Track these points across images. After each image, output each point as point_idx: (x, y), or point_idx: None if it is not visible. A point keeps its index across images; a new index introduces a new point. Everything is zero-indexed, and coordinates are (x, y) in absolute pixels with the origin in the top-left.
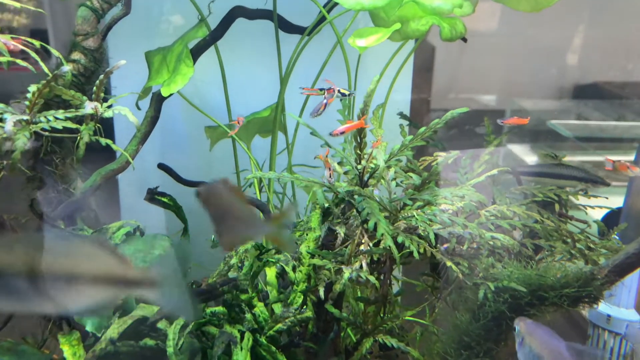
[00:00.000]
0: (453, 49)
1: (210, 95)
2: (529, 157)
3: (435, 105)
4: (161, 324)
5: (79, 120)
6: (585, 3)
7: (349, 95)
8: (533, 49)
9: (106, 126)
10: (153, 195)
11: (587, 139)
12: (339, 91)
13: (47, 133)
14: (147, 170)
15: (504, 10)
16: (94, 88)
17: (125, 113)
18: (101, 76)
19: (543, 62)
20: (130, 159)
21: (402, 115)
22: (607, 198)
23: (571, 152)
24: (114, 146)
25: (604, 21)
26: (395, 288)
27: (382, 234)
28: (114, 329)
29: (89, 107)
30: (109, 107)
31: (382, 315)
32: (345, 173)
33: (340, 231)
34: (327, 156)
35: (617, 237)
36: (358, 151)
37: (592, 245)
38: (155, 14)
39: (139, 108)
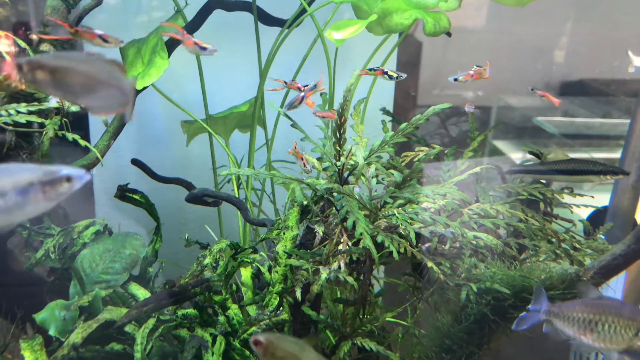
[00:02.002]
0: (438, 44)
1: (190, 89)
2: (514, 154)
3: (420, 101)
4: (129, 328)
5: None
6: (572, 0)
7: (397, 78)
8: (520, 45)
9: (80, 120)
10: (123, 193)
11: (573, 136)
12: (386, 73)
13: (10, 127)
14: (123, 166)
15: (490, 7)
16: None
17: None
18: None
19: (530, 59)
20: (99, 156)
21: (384, 110)
22: (593, 197)
23: (558, 149)
24: (81, 141)
25: (590, 18)
26: (378, 288)
27: (361, 233)
28: (78, 334)
29: (53, 100)
30: None
31: (361, 317)
32: (324, 169)
33: (319, 230)
34: (295, 148)
35: (603, 237)
36: (337, 147)
37: (577, 245)
38: (132, 5)
39: None
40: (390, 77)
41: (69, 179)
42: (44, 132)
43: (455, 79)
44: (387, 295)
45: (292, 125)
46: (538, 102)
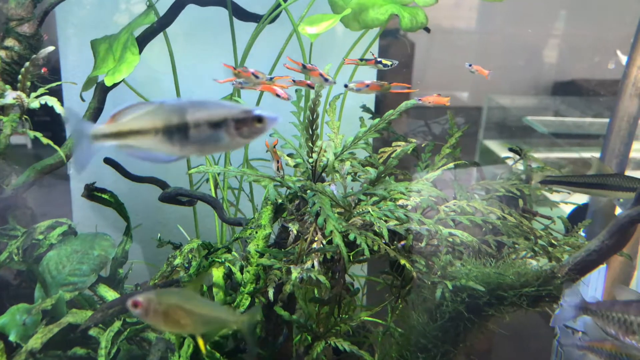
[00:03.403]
0: (428, 44)
1: (170, 86)
2: (505, 153)
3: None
4: (93, 331)
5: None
6: (563, 1)
7: (390, 66)
8: (511, 46)
9: (56, 115)
10: (91, 192)
11: (563, 136)
12: (380, 62)
13: None
14: (102, 165)
15: (482, 7)
16: (19, 77)
17: (53, 104)
18: (27, 64)
19: (521, 59)
20: (63, 156)
21: (365, 108)
22: (569, 193)
23: (547, 148)
24: (43, 140)
25: (582, 19)
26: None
27: (331, 231)
28: (37, 339)
29: (9, 96)
30: (38, 97)
31: (335, 316)
32: (296, 166)
33: (293, 228)
34: (274, 146)
35: (584, 234)
36: (310, 144)
37: (554, 242)
38: (108, 1)
39: (82, 100)
40: (385, 66)
41: (260, 119)
42: (2, 130)
43: (346, 86)
44: (371, 294)
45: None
46: (529, 102)
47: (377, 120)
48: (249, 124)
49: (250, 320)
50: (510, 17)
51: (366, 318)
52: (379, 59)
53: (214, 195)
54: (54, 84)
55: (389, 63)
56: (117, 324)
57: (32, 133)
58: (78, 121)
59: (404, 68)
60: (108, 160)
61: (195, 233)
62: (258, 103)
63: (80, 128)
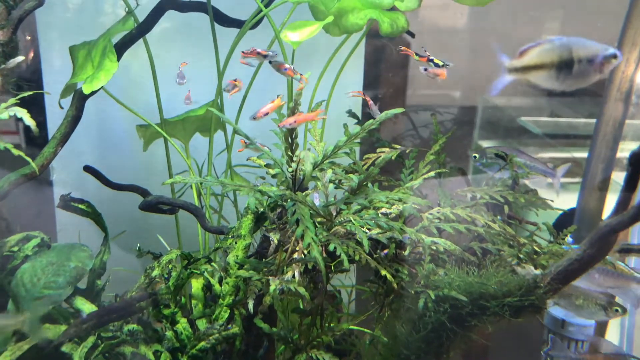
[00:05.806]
0: (420, 41)
1: (154, 92)
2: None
3: (409, 101)
4: (66, 347)
5: None
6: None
7: (442, 66)
8: (505, 45)
9: (38, 121)
10: (67, 202)
11: (558, 136)
12: (432, 61)
13: None
14: (84, 173)
15: (474, 7)
16: None
17: (22, 115)
18: None
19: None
20: (35, 167)
21: (350, 113)
22: (552, 201)
23: (541, 149)
24: (14, 150)
25: (576, 18)
26: (350, 297)
27: (309, 244)
28: (6, 357)
29: None
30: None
31: (317, 328)
32: (274, 176)
33: (274, 238)
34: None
35: (571, 240)
36: (289, 153)
37: (538, 249)
38: (90, 7)
39: (61, 107)
40: (437, 65)
41: (615, 56)
42: None
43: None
44: (360, 302)
45: (235, 132)
46: (523, 102)
47: (357, 129)
48: (610, 59)
49: (31, 317)
50: (505, 15)
51: (353, 327)
52: (431, 57)
53: (197, 202)
54: (25, 94)
55: (440, 63)
56: (91, 339)
57: (2, 144)
58: (500, 54)
59: (400, 68)
60: (87, 168)
61: (178, 241)
62: (241, 107)
63: (500, 60)
